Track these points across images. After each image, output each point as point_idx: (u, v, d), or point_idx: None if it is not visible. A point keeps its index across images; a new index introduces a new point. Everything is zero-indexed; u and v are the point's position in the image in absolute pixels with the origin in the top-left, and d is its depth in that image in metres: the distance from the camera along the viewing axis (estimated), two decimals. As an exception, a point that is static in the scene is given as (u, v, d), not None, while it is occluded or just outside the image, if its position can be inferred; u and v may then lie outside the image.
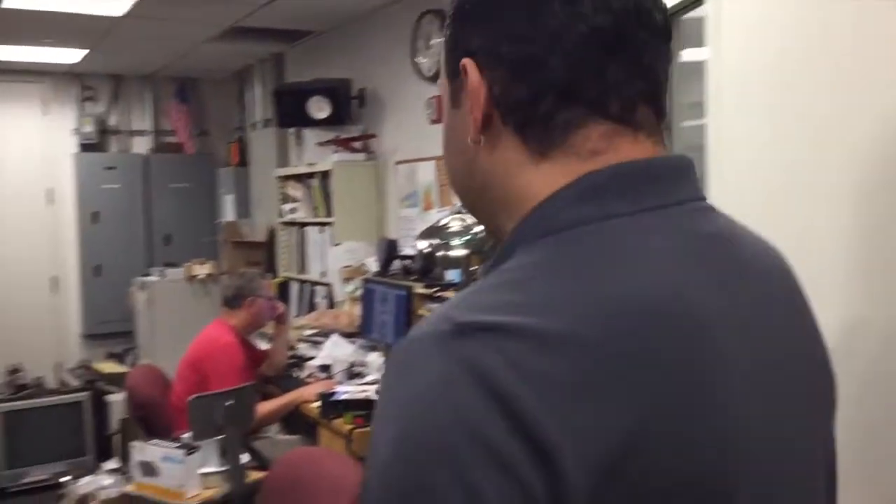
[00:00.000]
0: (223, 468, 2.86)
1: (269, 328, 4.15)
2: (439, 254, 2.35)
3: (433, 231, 2.41)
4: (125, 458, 4.56)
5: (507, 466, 0.52)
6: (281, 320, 3.96)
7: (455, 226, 2.40)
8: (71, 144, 6.55)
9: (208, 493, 2.80)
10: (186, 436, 2.88)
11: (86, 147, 6.53)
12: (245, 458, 2.96)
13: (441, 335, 0.56)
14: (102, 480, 4.37)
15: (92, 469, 4.80)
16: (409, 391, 0.55)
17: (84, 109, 6.60)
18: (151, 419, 3.59)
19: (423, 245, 2.41)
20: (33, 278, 6.50)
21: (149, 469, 2.82)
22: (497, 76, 0.67)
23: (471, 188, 0.73)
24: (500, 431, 0.52)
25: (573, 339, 0.55)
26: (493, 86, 0.67)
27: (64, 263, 6.58)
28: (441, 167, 4.48)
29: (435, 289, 3.85)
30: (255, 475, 2.98)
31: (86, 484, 4.28)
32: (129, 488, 2.89)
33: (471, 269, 2.37)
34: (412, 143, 4.77)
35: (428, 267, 3.88)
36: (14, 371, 5.35)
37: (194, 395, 2.90)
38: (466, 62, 0.68)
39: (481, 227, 2.55)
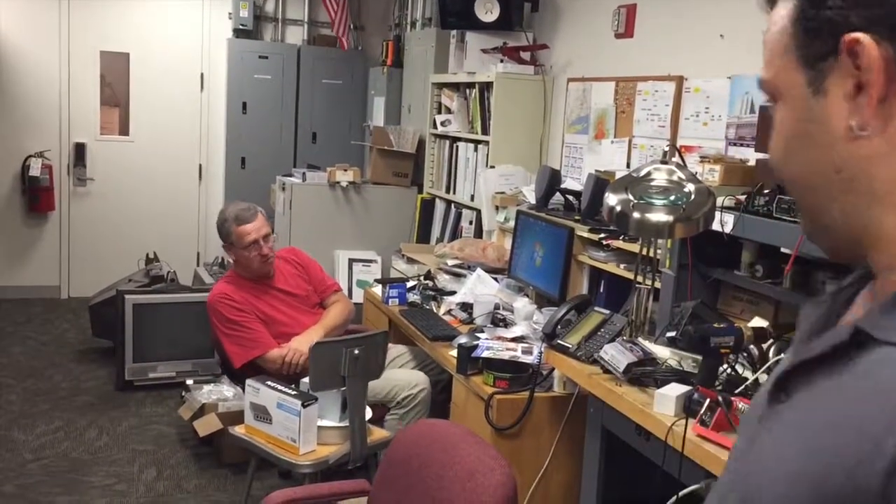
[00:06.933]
0: (343, 423, 2.49)
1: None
2: (635, 215, 1.78)
3: (629, 183, 1.83)
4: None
5: None
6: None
7: (660, 179, 1.81)
8: (226, 29, 6.32)
9: (324, 452, 2.44)
10: (305, 381, 2.52)
11: (239, 33, 6.30)
12: (368, 413, 2.58)
13: None
14: (224, 391, 4.22)
15: (218, 371, 4.69)
16: None
17: (241, -8, 6.33)
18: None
19: (614, 200, 1.83)
20: (183, 166, 6.47)
21: (261, 413, 2.48)
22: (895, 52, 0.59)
23: (832, 183, 0.63)
24: None
25: None
26: (890, 64, 0.59)
27: (211, 153, 6.48)
28: (622, 90, 3.84)
29: (602, 234, 3.31)
30: (377, 434, 2.60)
31: (207, 392, 4.14)
32: (240, 430, 2.57)
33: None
34: (589, 59, 4.15)
35: (596, 208, 3.33)
36: (150, 261, 5.25)
37: (316, 342, 2.51)
38: (861, 38, 0.59)
39: (695, 188, 1.95)
